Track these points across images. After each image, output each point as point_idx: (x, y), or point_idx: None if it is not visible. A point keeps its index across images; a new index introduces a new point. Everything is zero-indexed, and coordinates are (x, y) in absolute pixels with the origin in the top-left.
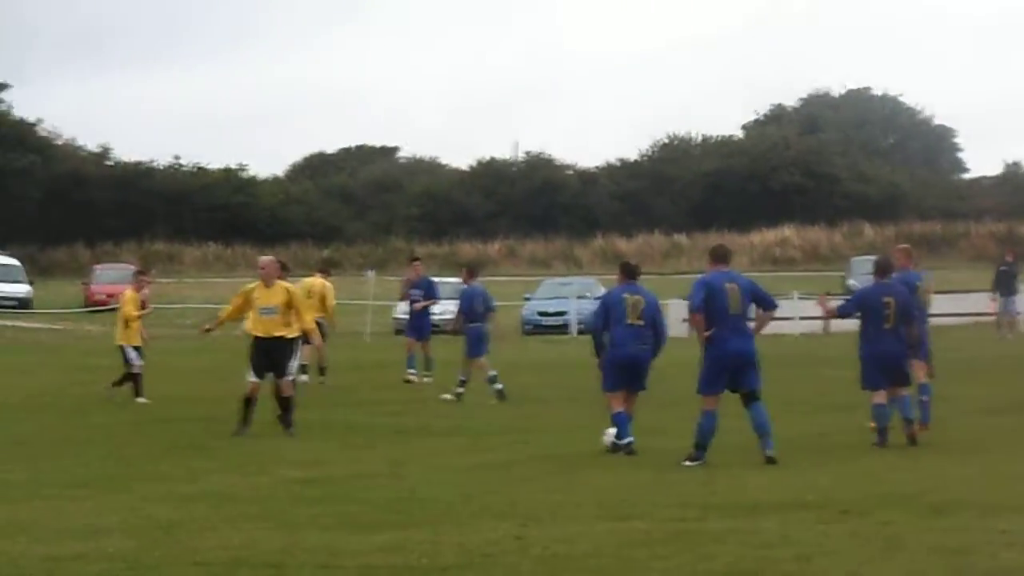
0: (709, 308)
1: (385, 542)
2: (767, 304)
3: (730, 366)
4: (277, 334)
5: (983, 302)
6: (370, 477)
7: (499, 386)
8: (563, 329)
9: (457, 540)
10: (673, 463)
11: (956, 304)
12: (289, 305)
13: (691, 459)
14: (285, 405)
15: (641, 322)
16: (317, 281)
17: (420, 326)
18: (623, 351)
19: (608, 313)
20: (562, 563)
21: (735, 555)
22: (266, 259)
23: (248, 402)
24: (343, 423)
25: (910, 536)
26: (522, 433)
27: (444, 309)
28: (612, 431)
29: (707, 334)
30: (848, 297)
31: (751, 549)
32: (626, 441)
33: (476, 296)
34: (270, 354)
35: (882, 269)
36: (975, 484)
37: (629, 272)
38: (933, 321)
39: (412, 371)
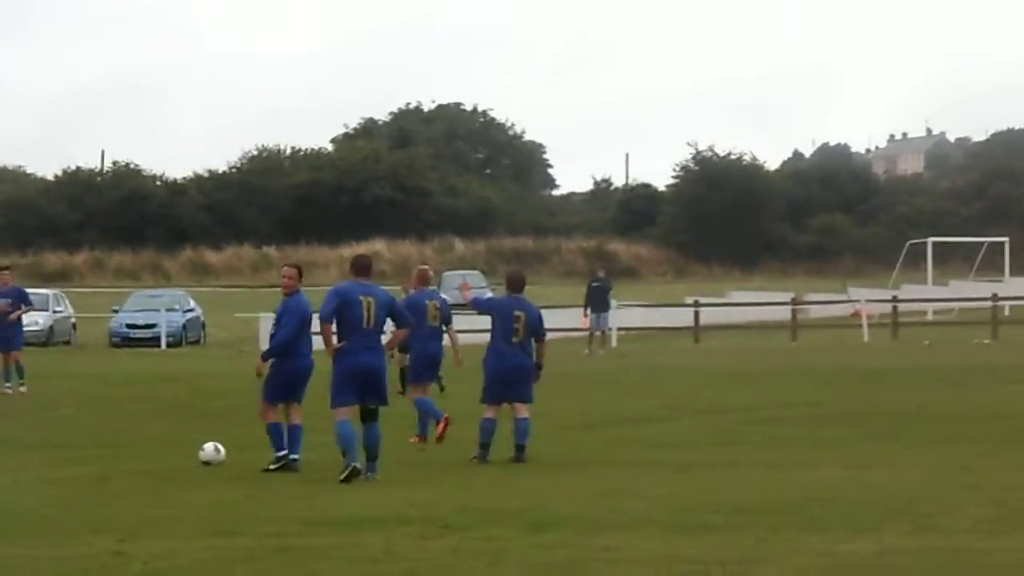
0: (341, 319)
1: None
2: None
3: (359, 380)
4: None
5: (575, 318)
6: None
7: None
8: (154, 342)
9: (53, 555)
10: (268, 479)
11: (547, 320)
12: None
13: (343, 470)
14: None
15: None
16: None
17: (9, 336)
18: (302, 363)
19: (302, 324)
20: None
21: (340, 571)
22: None
23: None
24: None
25: (513, 552)
26: (114, 447)
27: (32, 320)
28: (211, 445)
29: (337, 346)
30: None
31: (356, 565)
32: (284, 453)
33: None
34: None
35: (514, 283)
36: (575, 500)
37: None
38: None
39: (8, 384)
